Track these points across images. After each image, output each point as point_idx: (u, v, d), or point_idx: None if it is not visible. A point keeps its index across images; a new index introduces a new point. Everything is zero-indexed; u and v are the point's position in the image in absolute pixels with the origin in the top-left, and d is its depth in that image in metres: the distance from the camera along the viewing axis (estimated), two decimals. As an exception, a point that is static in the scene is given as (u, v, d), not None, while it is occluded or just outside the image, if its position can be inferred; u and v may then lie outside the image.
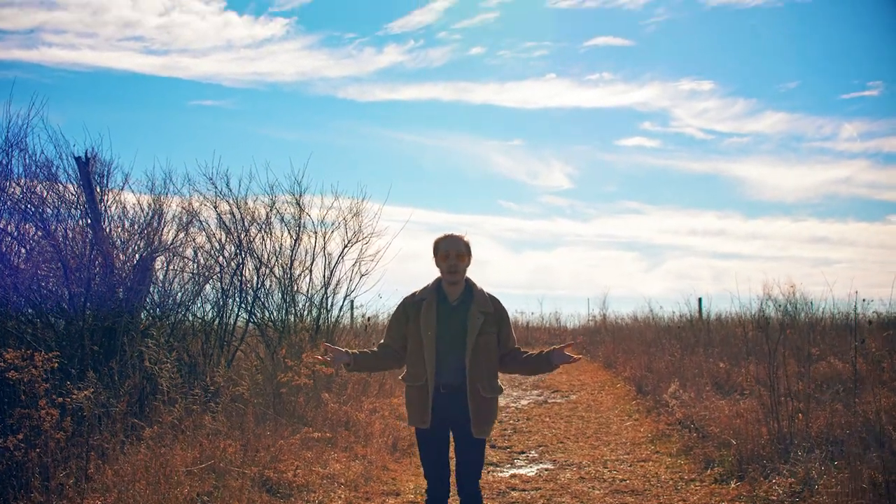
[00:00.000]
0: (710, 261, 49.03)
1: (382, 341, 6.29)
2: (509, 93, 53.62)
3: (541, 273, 48.49)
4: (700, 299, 24.80)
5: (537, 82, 53.18)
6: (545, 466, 10.33)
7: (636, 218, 54.13)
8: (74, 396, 7.79)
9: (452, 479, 6.18)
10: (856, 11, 49.09)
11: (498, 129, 55.77)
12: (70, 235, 11.45)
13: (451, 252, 5.96)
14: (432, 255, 6.11)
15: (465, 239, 6.06)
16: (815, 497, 7.44)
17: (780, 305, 19.70)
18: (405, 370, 6.13)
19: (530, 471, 10.09)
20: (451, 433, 6.08)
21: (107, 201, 12.41)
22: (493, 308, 6.03)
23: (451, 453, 6.14)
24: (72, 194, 11.94)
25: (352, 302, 16.52)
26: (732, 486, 8.68)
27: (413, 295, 6.15)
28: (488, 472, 9.93)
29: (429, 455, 6.10)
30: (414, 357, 6.00)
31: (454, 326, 5.92)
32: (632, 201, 57.77)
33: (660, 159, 55.09)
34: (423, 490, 6.68)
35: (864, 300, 14.86)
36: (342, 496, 8.46)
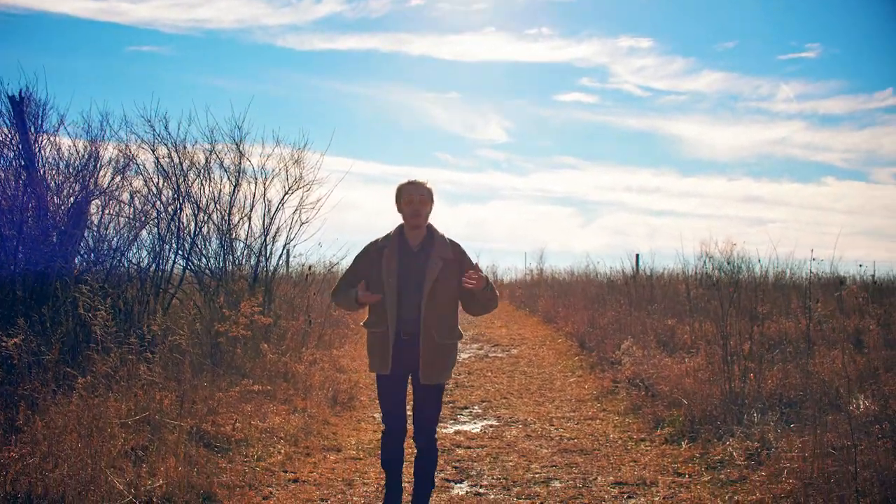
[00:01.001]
0: (645, 217, 49.63)
1: (341, 283, 6.31)
2: (448, 45, 53.89)
3: (476, 226, 48.49)
4: (638, 255, 24.70)
5: (476, 35, 53.37)
6: (490, 423, 10.10)
7: (572, 173, 54.74)
8: (3, 344, 7.39)
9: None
10: (797, -28, 49.34)
11: (436, 81, 55.96)
12: (2, 177, 10.98)
13: (415, 197, 6.01)
14: (395, 200, 6.13)
15: (428, 186, 6.10)
16: (773, 461, 7.24)
17: (717, 264, 19.70)
18: (367, 316, 6.18)
19: (475, 427, 9.85)
20: (409, 380, 6.14)
21: (41, 143, 11.96)
22: (453, 253, 6.08)
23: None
24: (3, 135, 11.46)
25: (289, 250, 16.18)
26: (684, 447, 8.50)
27: (376, 241, 6.20)
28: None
29: (387, 401, 6.16)
30: (375, 304, 6.02)
31: (414, 272, 5.98)
32: (568, 157, 58.32)
33: (597, 115, 55.55)
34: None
35: (813, 259, 14.66)
36: (282, 451, 8.17)
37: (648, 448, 8.71)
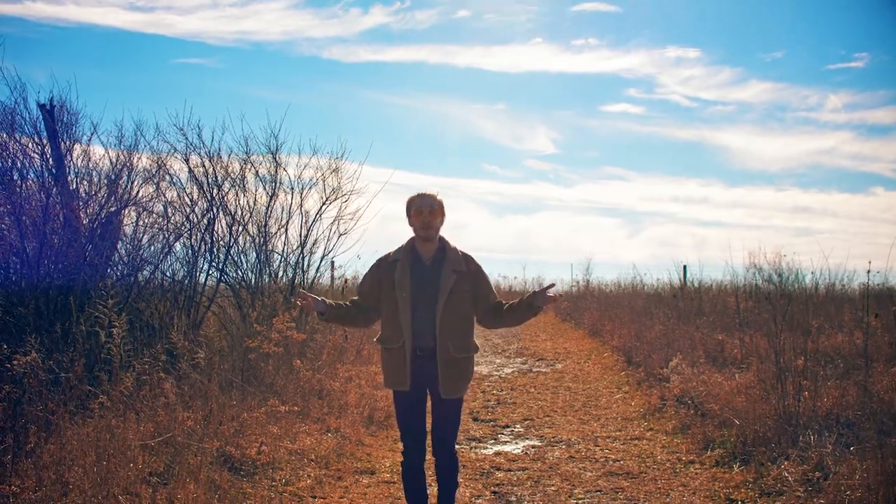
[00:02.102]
0: (692, 228, 49.23)
1: (355, 298, 6.30)
2: (495, 57, 53.51)
3: (522, 238, 48.43)
4: (685, 267, 24.21)
5: (523, 46, 53.00)
6: (532, 443, 9.65)
7: (619, 184, 54.36)
8: (16, 362, 7.06)
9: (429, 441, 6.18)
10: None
11: (483, 92, 55.65)
12: (32, 188, 10.76)
13: (425, 209, 5.95)
14: (405, 213, 6.09)
15: (438, 197, 6.03)
16: (833, 488, 6.74)
17: (766, 275, 19.18)
18: (380, 332, 6.11)
19: (516, 448, 9.40)
20: (428, 395, 6.07)
21: (73, 152, 11.74)
22: (467, 266, 6.03)
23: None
24: (34, 144, 11.24)
25: (332, 262, 15.89)
26: (736, 470, 7.99)
27: (387, 255, 6.14)
28: (471, 448, 9.29)
29: (406, 418, 6.08)
30: (389, 319, 5.97)
31: (428, 286, 5.91)
32: (615, 167, 57.93)
33: (644, 126, 55.04)
34: (399, 468, 6.31)
35: (871, 272, 14.05)
36: (311, 474, 7.78)
37: (698, 471, 8.22)
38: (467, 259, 6.06)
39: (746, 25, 53.00)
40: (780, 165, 54.97)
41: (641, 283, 26.10)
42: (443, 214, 6.03)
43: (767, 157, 55.76)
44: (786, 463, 7.61)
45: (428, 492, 6.26)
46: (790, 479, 7.26)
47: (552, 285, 5.97)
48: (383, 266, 6.07)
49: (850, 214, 48.80)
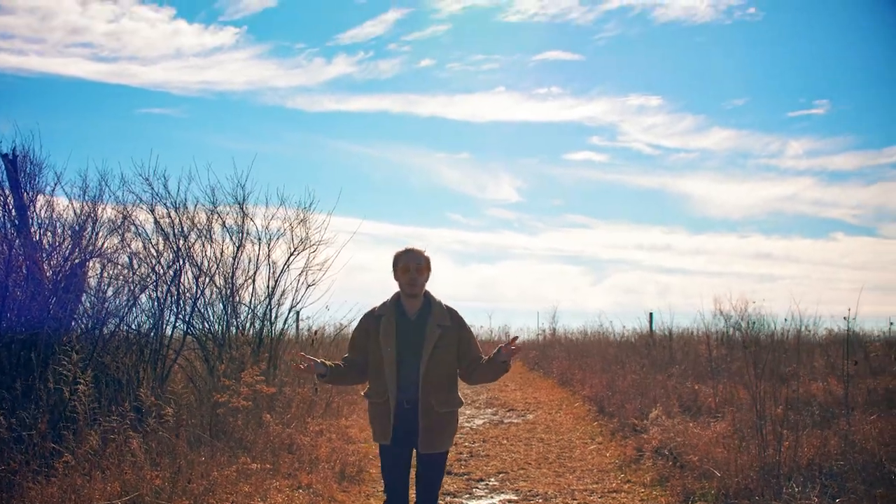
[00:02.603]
0: (655, 275, 49.59)
1: (346, 356, 6.24)
2: (458, 105, 53.91)
3: (487, 286, 48.47)
4: (651, 314, 24.21)
5: (486, 95, 53.45)
6: (508, 497, 9.43)
7: (583, 232, 54.79)
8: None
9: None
10: (803, 31, 49.47)
11: (446, 141, 55.99)
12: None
13: (412, 265, 5.97)
14: (392, 268, 6.11)
15: (426, 254, 6.08)
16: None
17: (734, 322, 19.16)
18: (367, 387, 6.12)
19: (492, 503, 9.18)
20: (413, 449, 6.05)
21: (36, 203, 11.51)
22: (451, 320, 6.03)
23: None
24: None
25: (297, 313, 15.65)
26: (718, 524, 7.83)
27: (373, 310, 6.13)
28: (445, 503, 9.04)
29: (391, 472, 6.06)
30: (375, 373, 5.98)
31: (413, 341, 5.91)
32: (579, 215, 58.27)
33: (607, 174, 55.44)
34: None
35: (846, 317, 13.89)
36: (284, 534, 7.54)
37: (680, 526, 8.06)
38: (452, 313, 6.07)
39: (708, 73, 53.74)
40: (743, 212, 55.49)
41: (610, 331, 26.03)
42: (429, 270, 6.04)
43: (730, 204, 56.27)
44: (770, 516, 7.45)
45: None
46: (776, 533, 7.10)
47: (515, 338, 5.92)
48: (370, 321, 6.06)
49: (811, 260, 49.45)
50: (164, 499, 7.16)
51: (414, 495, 6.12)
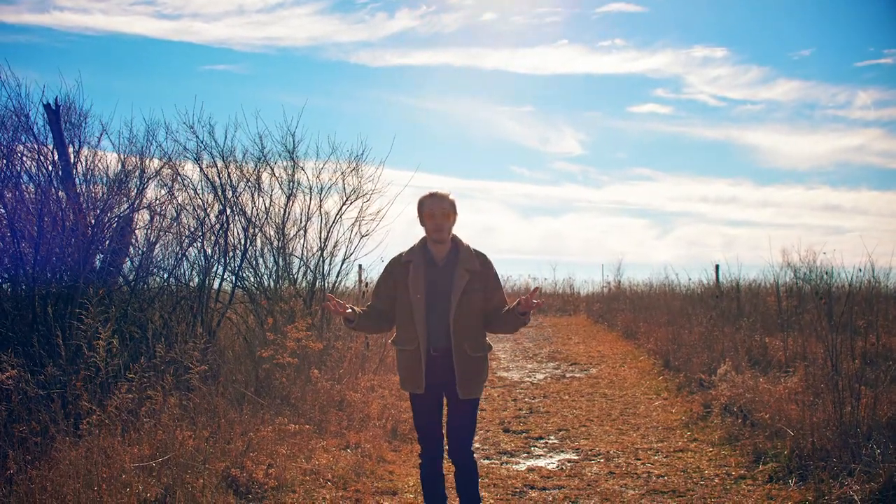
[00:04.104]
0: (721, 228, 48.68)
1: (370, 303, 6.12)
2: (521, 59, 53.05)
3: (551, 239, 48.09)
4: (717, 266, 23.48)
5: (549, 48, 52.45)
6: (568, 456, 8.95)
7: (647, 185, 53.83)
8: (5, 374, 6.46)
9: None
10: (872, -21, 47.82)
11: (509, 95, 55.12)
12: (34, 190, 10.23)
13: (437, 211, 5.87)
14: (417, 214, 6.02)
15: (451, 197, 5.95)
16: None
17: (801, 273, 18.47)
18: (395, 334, 6.05)
19: (551, 462, 8.70)
20: (444, 396, 6.00)
21: (81, 154, 11.23)
22: (480, 265, 5.92)
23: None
24: (38, 146, 10.74)
25: (360, 265, 15.29)
26: (793, 486, 7.26)
27: (399, 256, 6.05)
28: (502, 463, 8.59)
29: (421, 419, 6.01)
30: (404, 320, 5.90)
31: (441, 287, 5.84)
32: (643, 168, 57.47)
33: (672, 126, 54.40)
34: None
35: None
36: (327, 496, 7.12)
37: (751, 488, 7.49)
38: (480, 257, 5.97)
39: (773, 24, 52.23)
40: (810, 164, 54.21)
41: (676, 283, 25.37)
42: (455, 214, 5.95)
43: (796, 156, 55.01)
44: (849, 479, 6.85)
45: None
46: (857, 498, 6.52)
47: (537, 289, 5.98)
48: (396, 267, 5.97)
49: (880, 212, 48.07)
50: (200, 460, 6.77)
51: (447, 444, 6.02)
